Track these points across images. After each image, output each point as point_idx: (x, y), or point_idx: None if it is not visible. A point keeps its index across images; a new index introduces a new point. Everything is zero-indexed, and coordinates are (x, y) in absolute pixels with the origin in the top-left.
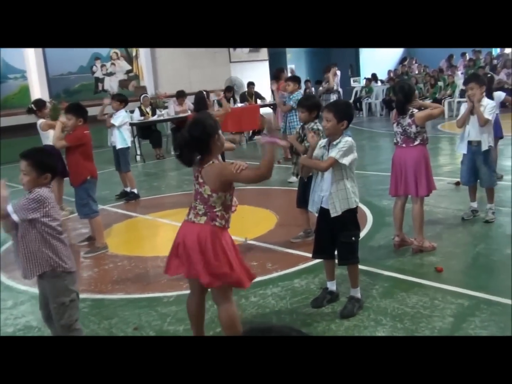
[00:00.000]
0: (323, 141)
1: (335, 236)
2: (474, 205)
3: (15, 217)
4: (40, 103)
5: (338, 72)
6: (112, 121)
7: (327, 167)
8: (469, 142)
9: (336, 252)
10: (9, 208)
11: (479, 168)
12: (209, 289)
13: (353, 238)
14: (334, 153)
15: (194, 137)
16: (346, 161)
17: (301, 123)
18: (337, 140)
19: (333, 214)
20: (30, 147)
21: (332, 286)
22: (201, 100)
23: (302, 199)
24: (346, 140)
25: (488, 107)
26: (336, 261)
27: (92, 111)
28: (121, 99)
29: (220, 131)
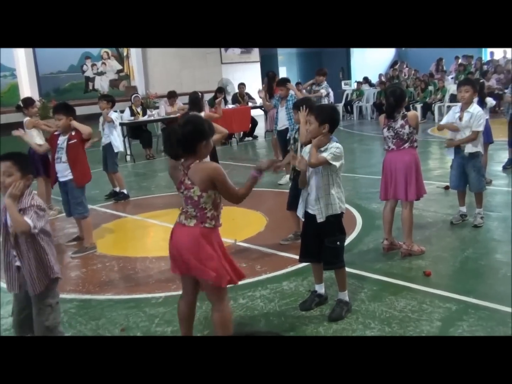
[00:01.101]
0: (307, 148)
1: (320, 241)
2: (463, 209)
3: (35, 230)
4: (28, 101)
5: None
6: (111, 116)
7: (315, 164)
8: (458, 147)
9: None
10: (30, 222)
11: (468, 173)
12: (201, 290)
13: (338, 243)
14: (326, 154)
15: (184, 134)
16: (337, 163)
17: (297, 125)
18: (324, 147)
19: (319, 219)
20: (19, 145)
21: (320, 289)
22: (196, 100)
23: (293, 202)
24: (338, 146)
25: (477, 117)
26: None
27: (82, 110)
28: (109, 99)
29: (210, 139)
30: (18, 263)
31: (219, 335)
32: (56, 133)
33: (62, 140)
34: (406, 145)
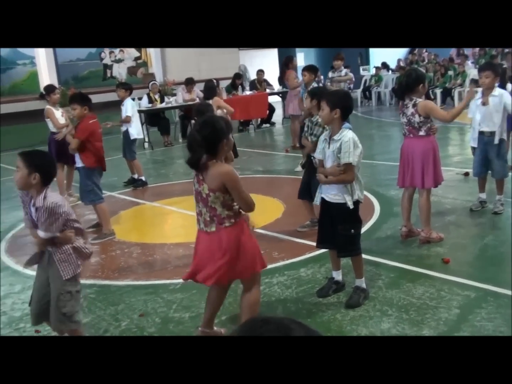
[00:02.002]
0: (324, 134)
1: (336, 227)
2: (483, 196)
3: (47, 235)
4: (50, 88)
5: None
6: (128, 113)
7: (351, 177)
8: (481, 133)
9: (336, 242)
10: (42, 234)
11: (491, 159)
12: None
13: (352, 231)
14: (346, 158)
15: (204, 137)
16: (357, 159)
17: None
18: (337, 135)
19: (350, 206)
20: (38, 133)
21: (337, 275)
22: (211, 88)
23: (305, 191)
24: (347, 140)
25: (507, 99)
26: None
27: (100, 97)
28: (127, 87)
29: (230, 135)
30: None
31: (244, 318)
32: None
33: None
34: (422, 132)
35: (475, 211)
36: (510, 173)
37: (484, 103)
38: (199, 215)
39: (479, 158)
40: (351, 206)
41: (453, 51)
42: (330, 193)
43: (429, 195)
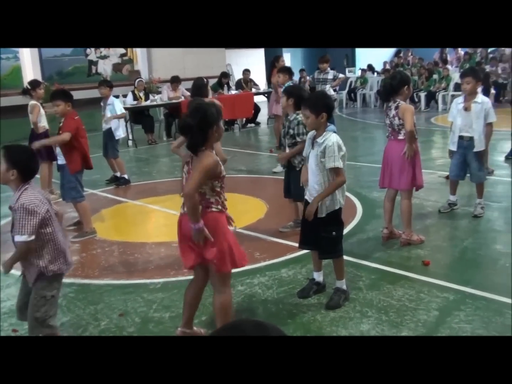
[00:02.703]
0: (310, 133)
1: (318, 229)
2: (453, 198)
3: (22, 238)
4: (34, 84)
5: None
6: (118, 112)
7: (343, 178)
8: (461, 137)
9: (317, 244)
10: (17, 238)
11: (469, 163)
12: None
13: (333, 233)
14: (331, 163)
15: (195, 123)
16: (342, 162)
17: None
18: (321, 137)
19: (319, 215)
20: (22, 128)
21: (318, 277)
22: (201, 87)
23: (289, 189)
24: (331, 145)
25: (489, 108)
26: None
27: (85, 94)
28: (111, 85)
29: (220, 122)
30: None
31: (218, 320)
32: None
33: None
34: (401, 135)
35: (444, 212)
36: (488, 177)
37: (466, 108)
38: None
39: (457, 161)
40: (323, 215)
41: (436, 55)
42: (313, 196)
43: (410, 198)
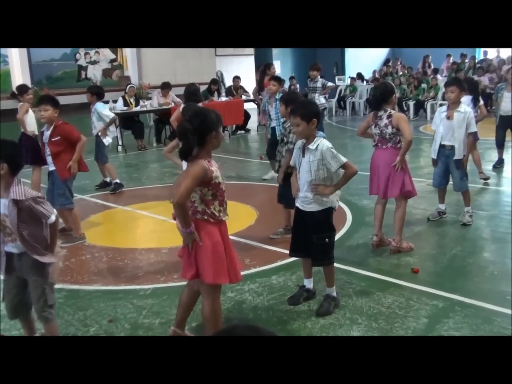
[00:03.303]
0: (298, 143)
1: (310, 236)
2: (442, 207)
3: (54, 217)
4: (22, 89)
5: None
6: (105, 119)
7: (354, 169)
8: (443, 146)
9: (310, 251)
10: (51, 220)
11: (451, 172)
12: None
13: (326, 240)
14: (337, 162)
15: (193, 127)
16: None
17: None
18: (313, 144)
19: (315, 207)
20: (10, 133)
21: (309, 284)
22: (195, 92)
23: (287, 198)
24: (326, 149)
25: (471, 118)
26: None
27: (74, 99)
28: (95, 91)
29: (220, 129)
30: (9, 249)
31: (206, 328)
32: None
33: (46, 136)
34: (389, 144)
35: (434, 220)
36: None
37: (449, 117)
38: (225, 191)
39: (440, 170)
40: (315, 209)
41: (420, 64)
42: (306, 204)
43: (405, 206)
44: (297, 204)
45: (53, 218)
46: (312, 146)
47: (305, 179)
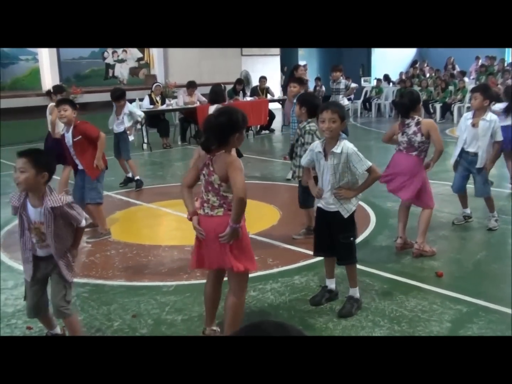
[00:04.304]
0: (315, 145)
1: (333, 236)
2: (467, 211)
3: (85, 222)
4: (59, 89)
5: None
6: (139, 114)
7: (378, 173)
8: (466, 152)
9: (335, 251)
10: (83, 224)
11: (474, 177)
12: (225, 278)
13: (351, 238)
14: (363, 166)
15: (218, 125)
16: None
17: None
18: (336, 147)
19: (345, 215)
20: (37, 130)
21: (331, 284)
22: (220, 92)
23: (303, 199)
24: (352, 152)
25: (497, 127)
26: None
27: (101, 97)
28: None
29: (243, 130)
30: (37, 253)
31: (228, 321)
32: (61, 132)
33: (68, 137)
34: (415, 153)
35: (458, 224)
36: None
37: (474, 125)
38: (205, 202)
39: (460, 175)
40: (345, 216)
41: (420, 63)
42: (334, 204)
43: (432, 208)
44: (319, 205)
45: (83, 222)
46: (336, 149)
47: (329, 181)
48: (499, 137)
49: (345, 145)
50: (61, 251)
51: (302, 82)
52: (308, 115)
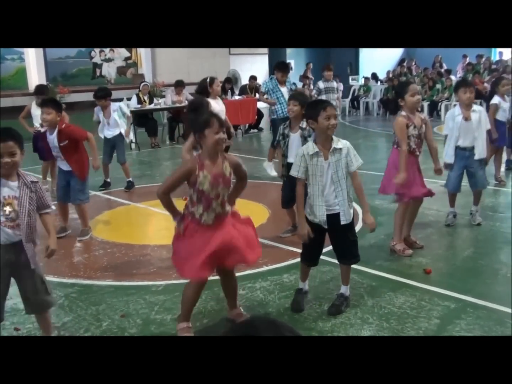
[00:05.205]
0: (307, 148)
1: (340, 237)
2: (455, 210)
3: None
4: (40, 90)
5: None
6: (126, 112)
7: (360, 181)
8: (463, 148)
9: (340, 252)
10: (51, 209)
11: (474, 172)
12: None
13: (356, 236)
14: (357, 161)
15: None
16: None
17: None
18: (336, 141)
19: (343, 221)
20: (24, 129)
21: (305, 286)
22: (202, 84)
23: (288, 200)
24: (349, 146)
25: (486, 116)
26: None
27: (88, 96)
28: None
29: (207, 132)
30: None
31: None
32: (42, 129)
33: (52, 139)
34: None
35: (452, 225)
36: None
37: (467, 118)
38: (214, 199)
39: (457, 173)
40: (350, 220)
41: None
42: (335, 207)
43: (402, 206)
44: (318, 220)
45: (53, 207)
46: (337, 144)
47: (332, 181)
48: (488, 125)
49: (341, 140)
50: (30, 235)
51: (287, 68)
52: (302, 116)
